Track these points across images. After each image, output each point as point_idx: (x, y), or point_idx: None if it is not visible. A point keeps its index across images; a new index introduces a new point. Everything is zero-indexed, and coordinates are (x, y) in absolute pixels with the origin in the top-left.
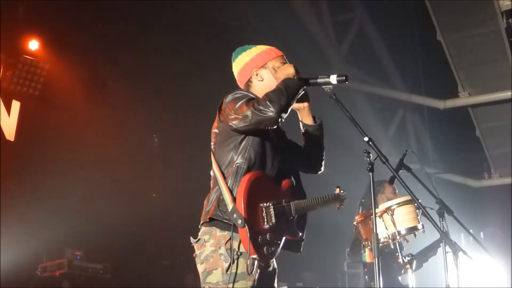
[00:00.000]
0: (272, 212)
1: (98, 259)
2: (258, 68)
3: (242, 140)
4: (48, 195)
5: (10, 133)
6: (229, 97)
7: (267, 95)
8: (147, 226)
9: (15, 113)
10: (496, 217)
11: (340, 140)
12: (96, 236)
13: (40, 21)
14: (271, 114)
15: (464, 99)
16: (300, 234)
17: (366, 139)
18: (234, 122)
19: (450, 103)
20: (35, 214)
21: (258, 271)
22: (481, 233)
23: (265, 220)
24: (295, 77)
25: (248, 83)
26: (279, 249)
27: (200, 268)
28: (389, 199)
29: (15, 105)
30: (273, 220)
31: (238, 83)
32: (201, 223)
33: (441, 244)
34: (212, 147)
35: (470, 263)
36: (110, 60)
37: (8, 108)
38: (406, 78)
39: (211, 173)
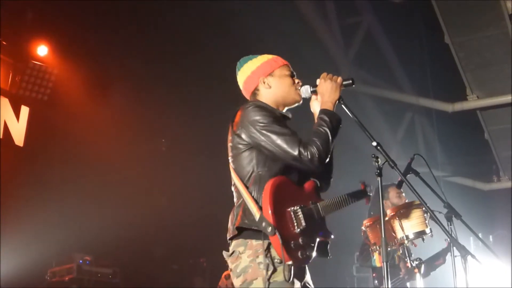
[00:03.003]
0: (301, 216)
1: (107, 264)
2: (266, 76)
3: (259, 152)
4: (57, 199)
5: (19, 138)
6: (255, 116)
7: (317, 146)
8: (156, 230)
9: (24, 119)
10: (506, 220)
11: (348, 144)
12: (105, 241)
13: (49, 26)
14: (312, 168)
15: (472, 102)
16: (331, 234)
17: (374, 143)
18: (268, 149)
19: (459, 106)
20: (44, 219)
21: (295, 278)
22: (490, 236)
23: (295, 224)
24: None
25: (255, 92)
26: (313, 253)
27: (238, 281)
28: (393, 204)
29: (24, 110)
30: (303, 224)
31: (244, 92)
32: (229, 238)
33: (448, 252)
34: (230, 161)
35: (479, 267)
36: (118, 65)
37: (17, 114)
38: (414, 81)
39: (232, 188)
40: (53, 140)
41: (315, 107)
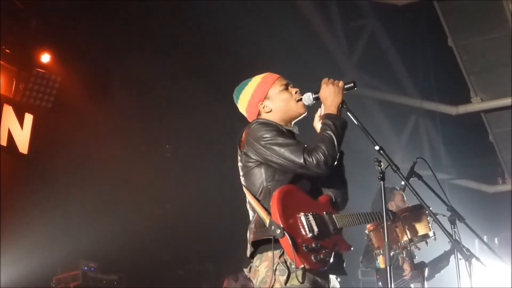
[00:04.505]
0: (313, 222)
1: (113, 270)
2: (262, 100)
3: (268, 167)
4: (62, 207)
5: (23, 146)
6: (259, 132)
7: (322, 151)
8: (161, 236)
9: (28, 126)
10: (511, 222)
11: (351, 147)
12: (110, 247)
13: (52, 34)
14: (320, 172)
15: (476, 105)
16: (351, 246)
17: (377, 148)
18: (274, 161)
19: (463, 109)
20: (49, 226)
21: (314, 284)
22: (496, 239)
23: (307, 229)
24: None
25: (259, 117)
26: (330, 259)
27: None
28: (398, 207)
29: (28, 118)
30: (316, 229)
31: (249, 120)
32: (248, 255)
33: (452, 254)
34: (242, 181)
35: (484, 270)
36: (122, 72)
37: (21, 121)
38: (418, 84)
39: (247, 206)
40: (58, 147)
41: (318, 127)
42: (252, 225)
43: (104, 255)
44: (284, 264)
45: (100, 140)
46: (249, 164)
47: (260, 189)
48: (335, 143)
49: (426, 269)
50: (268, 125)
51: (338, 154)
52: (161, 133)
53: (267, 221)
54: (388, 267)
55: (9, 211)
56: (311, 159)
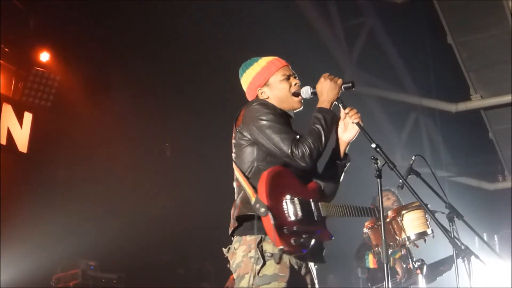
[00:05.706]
0: (298, 206)
1: (112, 269)
2: (262, 87)
3: (261, 147)
4: (62, 205)
5: (22, 145)
6: (256, 113)
7: (308, 144)
8: (161, 235)
9: (28, 125)
10: (511, 220)
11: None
12: (110, 246)
13: (51, 33)
14: (304, 165)
15: (476, 102)
16: (332, 236)
17: (373, 145)
18: (264, 145)
19: (462, 106)
20: (48, 225)
21: (289, 271)
22: (495, 236)
23: (291, 212)
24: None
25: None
26: (310, 243)
27: (235, 276)
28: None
29: (27, 116)
30: (299, 213)
31: (247, 97)
32: (230, 232)
33: (455, 259)
34: (233, 158)
35: (483, 267)
36: (121, 70)
37: (21, 120)
38: (418, 82)
39: (234, 184)
40: (57, 146)
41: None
42: (238, 201)
43: (103, 253)
44: (260, 253)
45: (100, 139)
46: (242, 142)
47: (250, 168)
48: (323, 137)
49: (425, 267)
50: (267, 107)
51: (325, 148)
52: (160, 132)
53: (253, 199)
54: (385, 265)
55: (9, 209)
56: (297, 151)
